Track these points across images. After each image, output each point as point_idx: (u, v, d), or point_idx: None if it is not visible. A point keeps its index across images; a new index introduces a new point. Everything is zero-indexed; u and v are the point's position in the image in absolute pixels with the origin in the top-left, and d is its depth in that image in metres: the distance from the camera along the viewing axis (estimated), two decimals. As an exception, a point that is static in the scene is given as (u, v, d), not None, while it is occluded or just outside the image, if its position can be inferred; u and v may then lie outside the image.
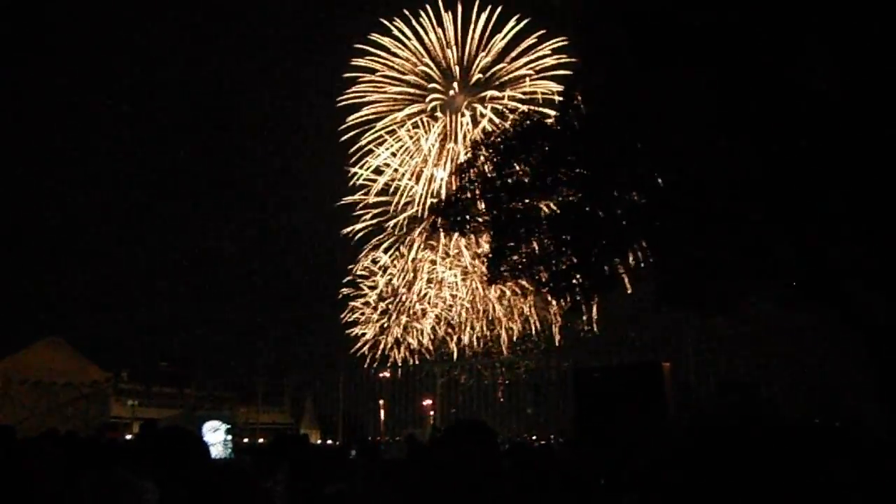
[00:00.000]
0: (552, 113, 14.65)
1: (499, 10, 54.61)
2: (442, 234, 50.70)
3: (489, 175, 14.09)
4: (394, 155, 55.40)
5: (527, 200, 14.04)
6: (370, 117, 55.50)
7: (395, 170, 55.28)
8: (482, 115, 52.34)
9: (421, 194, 53.47)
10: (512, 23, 54.32)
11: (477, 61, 54.82)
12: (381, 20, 56.01)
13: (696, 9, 10.98)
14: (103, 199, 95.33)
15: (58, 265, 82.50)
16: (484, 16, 54.77)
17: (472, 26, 54.95)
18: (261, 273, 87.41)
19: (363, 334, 55.19)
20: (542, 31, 52.95)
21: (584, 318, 41.52)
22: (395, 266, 55.25)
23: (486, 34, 54.89)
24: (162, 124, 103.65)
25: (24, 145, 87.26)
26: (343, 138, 55.70)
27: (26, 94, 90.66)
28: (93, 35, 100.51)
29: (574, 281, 13.80)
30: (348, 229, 55.89)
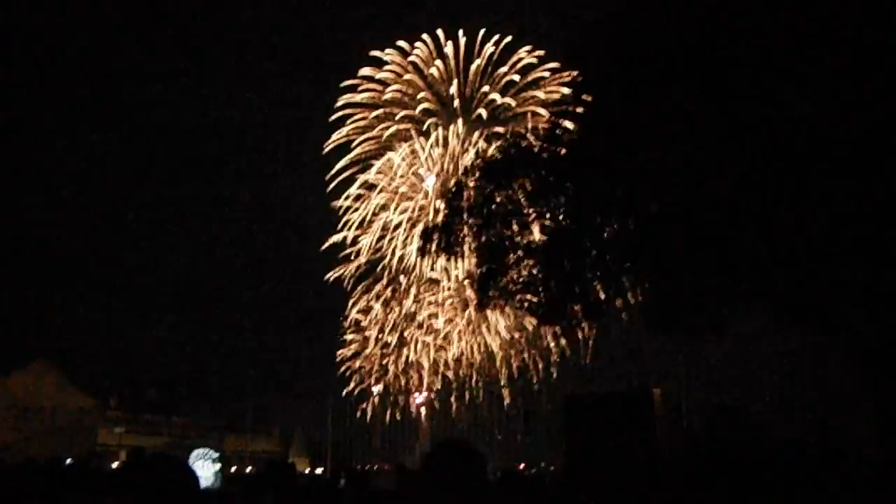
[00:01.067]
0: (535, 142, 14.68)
1: (505, 41, 53.42)
2: (445, 274, 50.55)
3: (479, 200, 14.13)
4: (395, 193, 54.60)
5: (515, 227, 14.07)
6: (366, 155, 54.77)
7: (397, 206, 54.56)
8: (484, 151, 50.64)
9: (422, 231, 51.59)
10: (521, 54, 53.18)
11: (479, 95, 53.52)
12: (376, 53, 54.98)
13: (684, 34, 11.13)
14: (93, 224, 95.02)
15: (46, 289, 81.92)
16: (489, 47, 53.46)
17: (475, 58, 53.71)
18: (253, 301, 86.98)
19: (361, 368, 54.47)
20: (552, 65, 51.09)
21: (582, 352, 41.49)
22: (395, 299, 54.51)
23: (491, 66, 53.38)
24: (151, 152, 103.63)
25: (12, 167, 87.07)
26: (338, 179, 54.75)
27: (13, 117, 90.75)
28: (86, 60, 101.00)
29: (565, 307, 13.80)
30: (345, 268, 55.00)
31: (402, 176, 54.77)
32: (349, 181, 54.86)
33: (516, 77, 53.47)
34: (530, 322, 42.93)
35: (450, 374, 52.41)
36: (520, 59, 53.44)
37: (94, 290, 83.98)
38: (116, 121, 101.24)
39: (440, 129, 54.41)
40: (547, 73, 52.04)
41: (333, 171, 54.57)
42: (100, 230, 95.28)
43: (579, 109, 14.50)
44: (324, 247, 54.65)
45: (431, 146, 54.12)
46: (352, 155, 54.56)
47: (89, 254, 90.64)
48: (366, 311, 54.69)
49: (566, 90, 49.04)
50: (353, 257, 54.39)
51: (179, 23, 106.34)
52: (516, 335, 50.99)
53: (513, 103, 53.03)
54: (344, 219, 54.73)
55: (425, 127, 54.68)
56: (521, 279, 14.06)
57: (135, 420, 46.63)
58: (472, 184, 14.56)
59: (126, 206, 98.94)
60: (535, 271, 14.03)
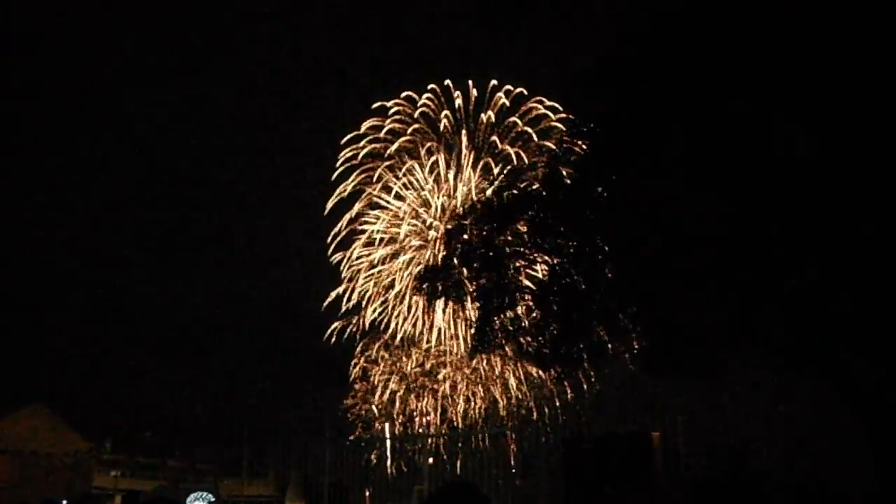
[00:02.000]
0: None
1: (517, 91, 53.27)
2: (451, 321, 50.45)
3: (476, 243, 14.18)
4: (401, 244, 54.27)
5: (512, 270, 14.12)
6: (372, 205, 54.49)
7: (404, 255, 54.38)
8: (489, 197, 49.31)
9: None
10: (532, 105, 52.82)
11: (489, 144, 53.56)
12: (382, 103, 54.47)
13: (679, 78, 11.30)
14: (88, 265, 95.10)
15: (42, 333, 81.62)
16: (499, 97, 53.25)
17: (486, 108, 53.42)
18: (251, 346, 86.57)
19: (366, 413, 53.74)
20: (564, 115, 50.32)
21: (585, 395, 41.28)
22: (402, 349, 54.04)
23: (500, 116, 53.52)
24: (148, 192, 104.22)
25: (7, 210, 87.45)
26: (344, 230, 54.43)
27: (10, 158, 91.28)
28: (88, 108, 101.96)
29: (562, 350, 13.78)
30: (349, 321, 54.57)
31: (410, 226, 54.51)
32: (354, 233, 54.61)
33: (528, 129, 53.35)
34: (535, 370, 42.84)
35: (456, 417, 52.10)
36: (530, 110, 53.32)
37: (91, 334, 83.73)
38: (120, 177, 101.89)
39: (450, 180, 54.25)
40: (561, 125, 51.79)
41: (341, 224, 54.27)
42: (98, 275, 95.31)
43: (577, 151, 14.63)
44: (329, 299, 54.28)
45: (441, 196, 53.92)
46: (358, 206, 54.28)
47: (86, 298, 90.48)
48: (372, 360, 54.27)
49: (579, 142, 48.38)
50: (363, 305, 54.04)
51: (186, 74, 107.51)
52: (515, 381, 50.83)
53: (523, 154, 52.82)
54: (350, 268, 54.43)
55: (433, 178, 54.46)
56: (519, 322, 14.07)
57: (130, 463, 46.17)
58: (470, 225, 14.64)
59: (126, 250, 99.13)
60: (534, 314, 14.03)
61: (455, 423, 51.82)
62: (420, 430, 50.80)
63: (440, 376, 52.58)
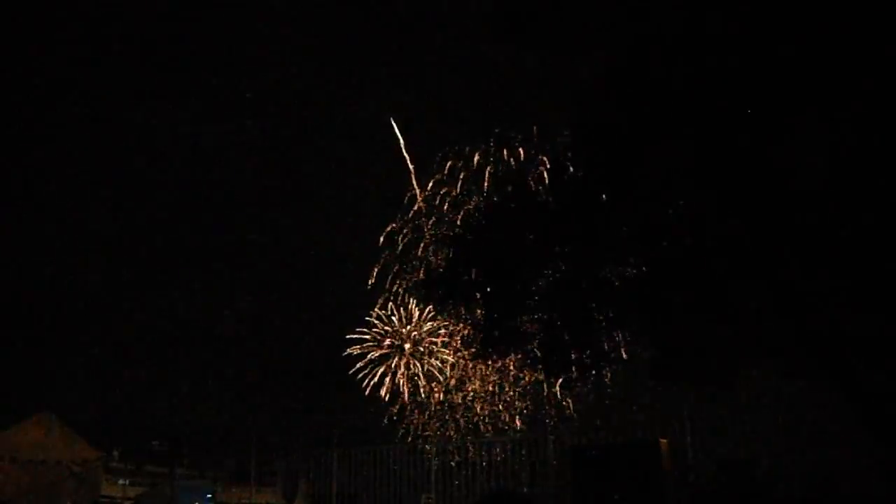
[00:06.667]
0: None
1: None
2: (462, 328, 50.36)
3: (479, 249, 14.10)
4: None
5: (520, 276, 14.02)
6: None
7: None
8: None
9: None
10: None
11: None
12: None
13: (689, 89, 11.23)
14: (96, 274, 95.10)
15: (50, 340, 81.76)
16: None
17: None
18: (258, 352, 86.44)
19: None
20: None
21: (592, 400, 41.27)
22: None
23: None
24: (163, 201, 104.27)
25: (13, 217, 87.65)
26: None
27: (18, 168, 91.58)
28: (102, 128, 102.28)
29: (569, 357, 13.70)
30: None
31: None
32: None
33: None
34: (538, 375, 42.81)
35: (461, 420, 52.24)
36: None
37: (100, 343, 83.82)
38: (143, 189, 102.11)
39: None
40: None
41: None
42: (104, 280, 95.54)
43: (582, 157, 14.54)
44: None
45: None
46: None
47: (95, 307, 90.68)
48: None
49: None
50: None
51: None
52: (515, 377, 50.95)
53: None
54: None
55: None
56: (524, 329, 13.98)
57: (138, 472, 46.20)
58: (472, 231, 14.57)
59: (134, 253, 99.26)
60: (539, 321, 13.94)
61: (466, 431, 51.87)
62: (430, 437, 50.80)
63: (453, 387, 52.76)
